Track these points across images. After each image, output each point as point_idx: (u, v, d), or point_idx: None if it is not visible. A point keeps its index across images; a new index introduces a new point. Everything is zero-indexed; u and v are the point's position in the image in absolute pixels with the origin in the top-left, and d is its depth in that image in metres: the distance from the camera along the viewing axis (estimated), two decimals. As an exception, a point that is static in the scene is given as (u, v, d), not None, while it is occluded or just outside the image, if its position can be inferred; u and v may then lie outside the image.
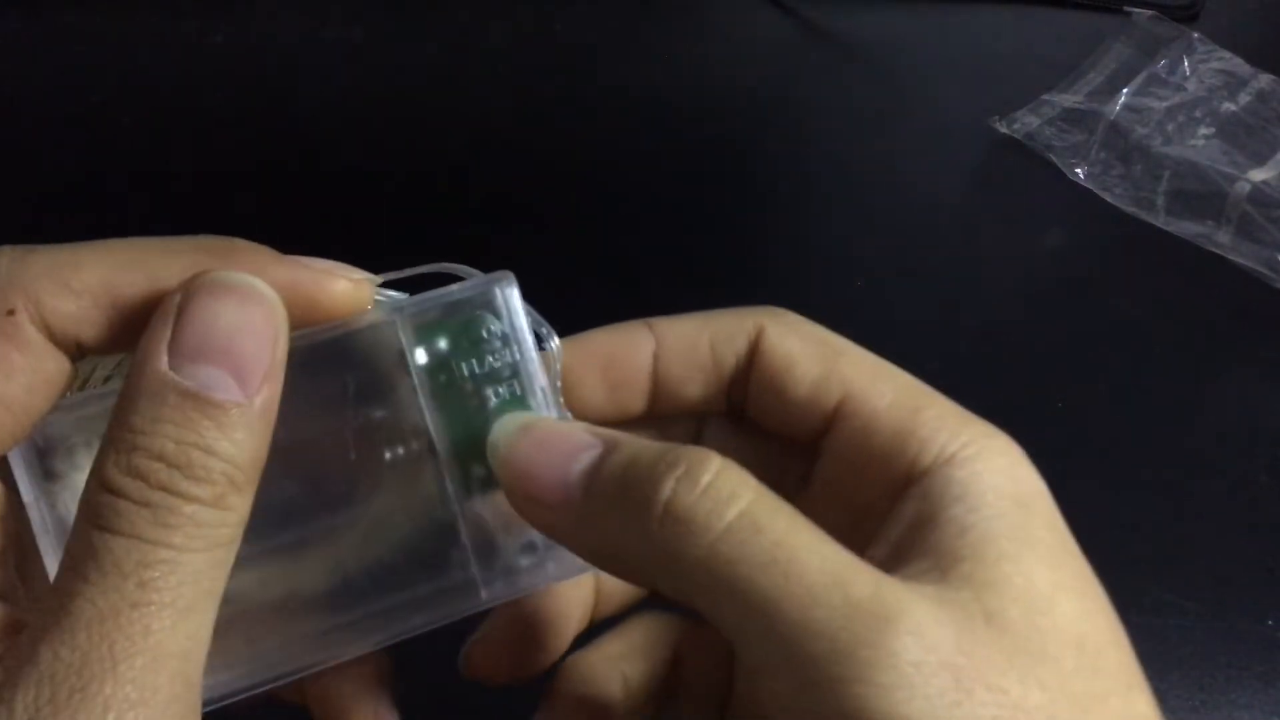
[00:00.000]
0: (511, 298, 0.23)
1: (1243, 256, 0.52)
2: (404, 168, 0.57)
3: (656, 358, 0.24)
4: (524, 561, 0.24)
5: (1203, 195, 0.53)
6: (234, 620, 0.22)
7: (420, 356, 0.23)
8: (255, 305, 0.20)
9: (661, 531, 0.19)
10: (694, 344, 0.24)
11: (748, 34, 0.67)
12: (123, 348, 0.21)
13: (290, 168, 0.57)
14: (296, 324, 0.21)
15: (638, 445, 0.21)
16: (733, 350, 0.24)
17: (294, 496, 0.23)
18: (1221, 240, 0.52)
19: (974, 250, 0.54)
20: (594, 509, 0.21)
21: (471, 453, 0.23)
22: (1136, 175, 0.55)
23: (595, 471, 0.21)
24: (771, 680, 0.19)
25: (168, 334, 0.19)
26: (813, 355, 0.23)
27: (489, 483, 0.23)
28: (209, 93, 0.61)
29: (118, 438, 0.19)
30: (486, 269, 0.24)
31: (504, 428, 0.23)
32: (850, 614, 0.18)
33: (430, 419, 0.23)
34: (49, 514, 0.22)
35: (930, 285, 0.52)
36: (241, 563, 0.20)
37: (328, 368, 0.23)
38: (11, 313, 0.20)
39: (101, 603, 0.18)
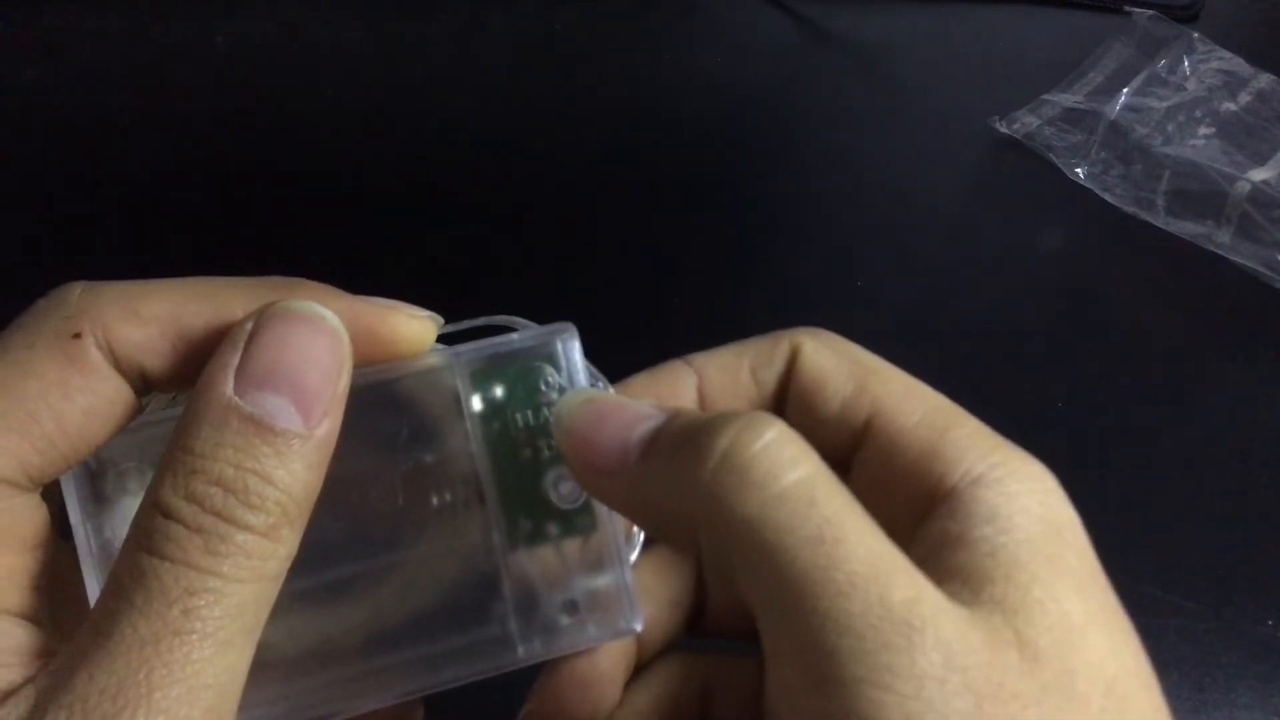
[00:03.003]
0: (572, 350, 0.23)
1: (1243, 256, 0.52)
2: (404, 168, 0.57)
3: (701, 393, 0.24)
4: (564, 620, 0.23)
5: (1203, 195, 0.53)
6: (269, 659, 0.22)
7: (476, 404, 0.23)
8: (324, 336, 0.20)
9: (713, 484, 0.19)
10: (735, 374, 0.24)
11: (748, 33, 0.67)
12: (187, 380, 0.21)
13: (290, 168, 0.57)
14: (357, 359, 0.21)
15: (700, 412, 0.21)
16: (772, 374, 0.24)
17: (338, 536, 0.22)
18: (1222, 240, 0.52)
19: (974, 250, 0.54)
20: (650, 468, 0.21)
21: (520, 504, 0.23)
22: (1136, 175, 0.55)
23: (655, 436, 0.21)
24: (785, 668, 0.18)
25: (235, 360, 0.20)
26: (845, 373, 0.23)
27: (535, 537, 0.23)
28: (209, 94, 0.61)
29: (176, 460, 0.19)
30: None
31: (568, 400, 0.22)
32: (883, 615, 0.17)
33: (481, 467, 0.23)
34: (95, 538, 0.22)
35: (930, 285, 0.52)
36: (280, 600, 0.20)
37: (382, 408, 0.23)
38: (78, 336, 0.20)
39: (144, 628, 0.18)
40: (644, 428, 0.21)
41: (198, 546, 0.18)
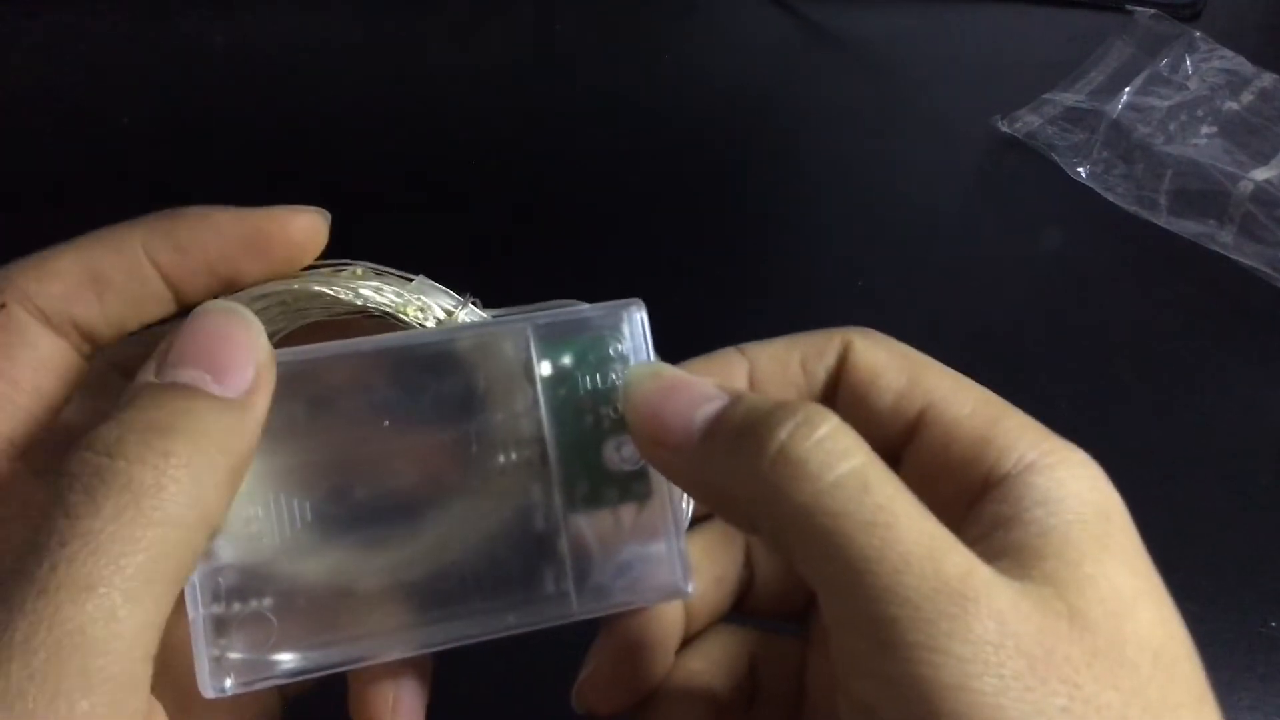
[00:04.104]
0: (638, 322, 0.25)
1: (1245, 256, 0.51)
2: (403, 168, 0.57)
3: (751, 380, 0.25)
4: (618, 582, 0.24)
5: (1205, 194, 0.53)
6: (332, 602, 0.23)
7: (545, 369, 0.24)
8: (235, 320, 0.21)
9: (772, 473, 0.20)
10: (785, 364, 0.25)
11: (749, 32, 0.67)
12: (116, 323, 0.23)
13: (289, 168, 0.57)
14: (259, 263, 0.23)
15: (760, 398, 0.22)
16: (823, 366, 0.25)
17: (403, 490, 0.24)
18: (1224, 240, 0.52)
19: (975, 250, 0.54)
20: (712, 452, 0.21)
21: (580, 468, 0.24)
22: (1139, 174, 0.55)
23: (718, 419, 0.22)
24: (848, 637, 0.19)
25: (159, 357, 0.21)
26: (897, 368, 0.24)
27: (592, 500, 0.24)
28: (208, 93, 0.61)
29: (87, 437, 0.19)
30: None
31: (636, 373, 0.23)
32: (938, 587, 0.18)
33: (546, 430, 0.24)
34: None
35: (931, 285, 0.52)
36: (343, 549, 0.22)
37: (452, 370, 0.24)
38: (3, 306, 0.21)
39: (12, 591, 0.17)
40: (707, 409, 0.22)
41: (77, 491, 0.18)
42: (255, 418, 0.21)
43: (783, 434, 0.20)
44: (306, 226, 0.24)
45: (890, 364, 0.24)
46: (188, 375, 0.20)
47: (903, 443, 0.24)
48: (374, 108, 0.60)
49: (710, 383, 0.23)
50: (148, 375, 0.20)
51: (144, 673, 0.18)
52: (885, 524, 0.19)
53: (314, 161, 0.57)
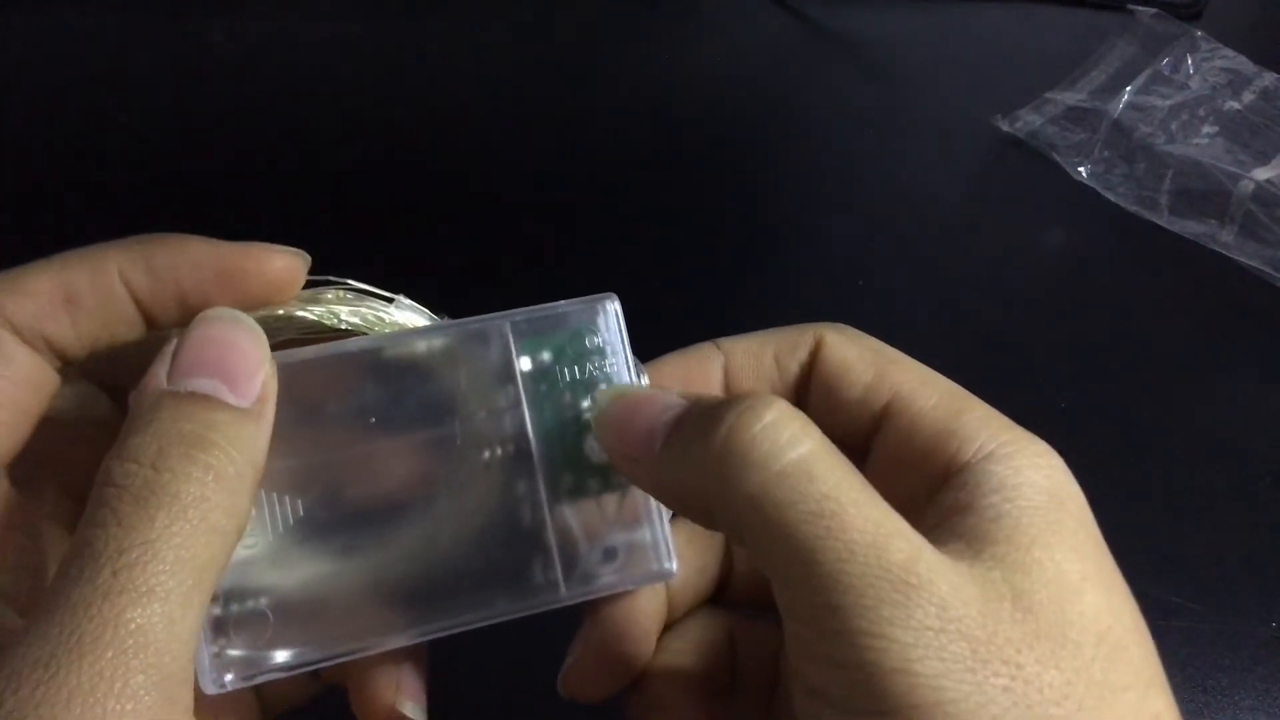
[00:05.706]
0: (612, 315, 0.25)
1: (1246, 256, 0.51)
2: (403, 167, 0.57)
3: (726, 373, 0.26)
4: (604, 568, 0.25)
5: (1206, 194, 0.53)
6: (325, 598, 0.23)
7: (525, 364, 0.25)
8: (242, 330, 0.22)
9: (719, 464, 0.20)
10: (759, 358, 0.26)
11: (750, 32, 0.66)
12: (88, 342, 0.23)
13: (289, 167, 0.57)
14: (234, 297, 0.23)
15: (714, 396, 0.22)
16: (795, 361, 0.26)
17: (391, 487, 0.24)
18: (1225, 239, 0.52)
19: (976, 249, 0.54)
20: (670, 454, 0.22)
21: (563, 460, 0.25)
22: (1140, 174, 0.55)
23: (677, 423, 0.22)
24: (797, 623, 0.20)
25: (167, 361, 0.21)
26: (866, 362, 0.25)
27: (576, 491, 0.25)
28: (208, 92, 0.61)
29: (118, 441, 0.20)
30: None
31: (604, 396, 0.24)
32: (881, 575, 0.19)
33: (528, 425, 0.25)
34: None
35: (931, 285, 0.52)
36: (335, 547, 0.23)
37: (434, 369, 0.24)
38: None
39: (75, 595, 0.18)
40: (667, 416, 0.22)
41: (128, 504, 0.19)
42: (268, 425, 0.21)
43: (726, 425, 0.20)
44: (283, 267, 0.24)
45: (859, 358, 0.25)
46: (204, 384, 0.21)
47: (870, 434, 0.24)
48: (374, 108, 0.60)
49: (673, 393, 0.23)
50: (160, 381, 0.21)
51: (191, 669, 0.19)
52: (830, 513, 0.19)
53: (313, 160, 0.57)
